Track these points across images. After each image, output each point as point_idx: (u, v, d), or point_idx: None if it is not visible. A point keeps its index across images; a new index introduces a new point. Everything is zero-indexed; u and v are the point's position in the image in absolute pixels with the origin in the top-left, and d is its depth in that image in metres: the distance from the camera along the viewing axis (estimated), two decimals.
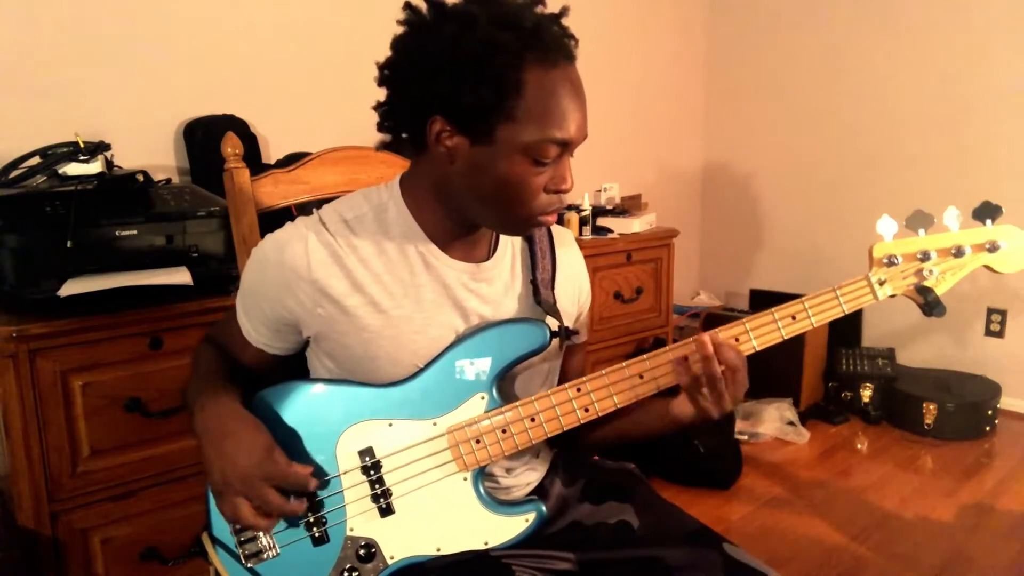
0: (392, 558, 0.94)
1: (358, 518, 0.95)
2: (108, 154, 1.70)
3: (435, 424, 0.95)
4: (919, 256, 0.96)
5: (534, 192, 0.89)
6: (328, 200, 1.01)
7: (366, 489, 0.95)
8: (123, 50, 1.96)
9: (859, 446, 2.77)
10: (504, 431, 0.95)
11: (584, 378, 0.96)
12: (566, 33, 0.89)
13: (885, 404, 2.96)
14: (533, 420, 0.95)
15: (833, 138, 3.36)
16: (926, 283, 0.96)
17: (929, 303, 0.96)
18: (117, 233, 1.54)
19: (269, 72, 2.23)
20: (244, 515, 0.88)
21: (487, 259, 1.01)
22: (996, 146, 2.93)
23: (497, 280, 1.01)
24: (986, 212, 0.97)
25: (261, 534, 0.95)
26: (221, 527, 0.96)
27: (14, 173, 1.64)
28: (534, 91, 0.84)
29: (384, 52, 0.92)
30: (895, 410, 2.92)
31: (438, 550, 0.95)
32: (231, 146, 1.22)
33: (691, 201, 3.84)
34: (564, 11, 0.91)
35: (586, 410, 0.96)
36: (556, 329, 0.98)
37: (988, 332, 3.06)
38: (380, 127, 0.95)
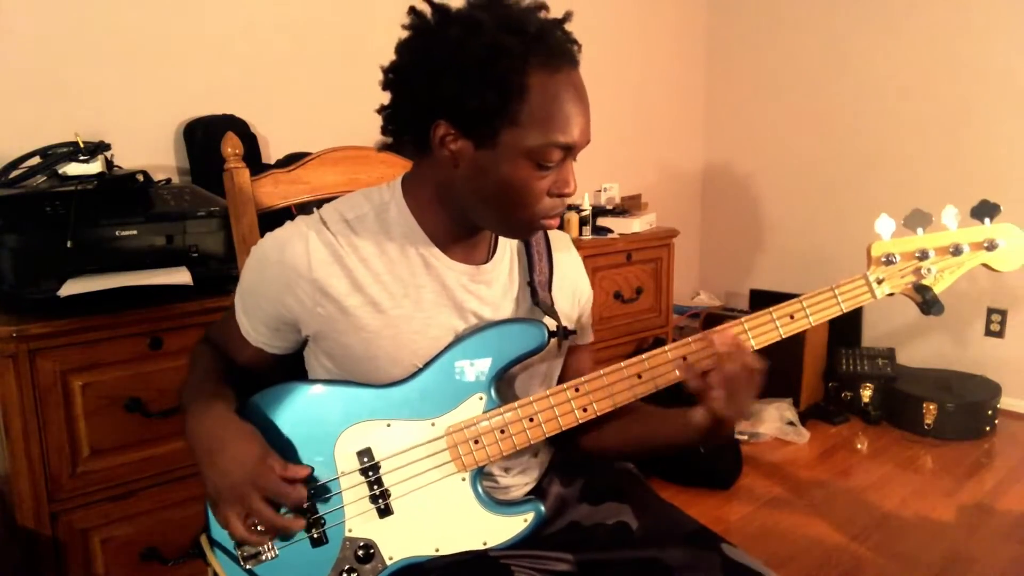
0: (391, 559, 0.95)
1: (357, 519, 0.95)
2: (108, 154, 1.70)
3: (434, 425, 0.95)
4: (917, 255, 0.96)
5: (537, 196, 0.89)
6: (328, 200, 1.02)
7: (365, 490, 0.95)
8: (123, 50, 1.96)
9: (859, 446, 2.77)
10: (503, 431, 0.95)
11: (582, 378, 0.96)
12: (569, 38, 0.90)
13: (885, 404, 2.95)
14: (532, 420, 0.95)
15: (833, 138, 3.36)
16: (924, 282, 0.97)
17: (927, 301, 0.96)
18: (117, 233, 1.54)
19: (269, 72, 2.23)
20: (236, 529, 0.88)
21: (486, 261, 1.01)
22: (996, 146, 2.93)
23: (496, 282, 1.01)
24: (984, 211, 0.97)
25: None
26: (220, 529, 0.96)
27: (14, 173, 1.64)
28: (538, 95, 0.85)
29: (385, 52, 0.92)
30: (895, 410, 2.92)
31: (437, 550, 0.95)
32: (231, 146, 1.22)
33: (691, 201, 3.83)
34: (568, 16, 0.91)
35: (584, 410, 0.96)
36: (554, 329, 0.98)
37: (988, 332, 3.06)
38: (384, 130, 0.95)
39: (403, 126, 0.94)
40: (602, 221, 2.71)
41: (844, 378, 3.02)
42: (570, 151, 0.89)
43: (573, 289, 1.10)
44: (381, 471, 0.95)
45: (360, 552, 0.94)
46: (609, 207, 2.85)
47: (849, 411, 3.00)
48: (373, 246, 0.95)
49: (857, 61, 3.24)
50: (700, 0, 3.64)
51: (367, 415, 0.95)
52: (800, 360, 2.95)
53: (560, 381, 1.06)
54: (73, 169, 1.63)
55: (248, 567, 0.95)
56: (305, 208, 1.19)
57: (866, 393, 2.94)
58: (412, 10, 0.90)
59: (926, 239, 0.96)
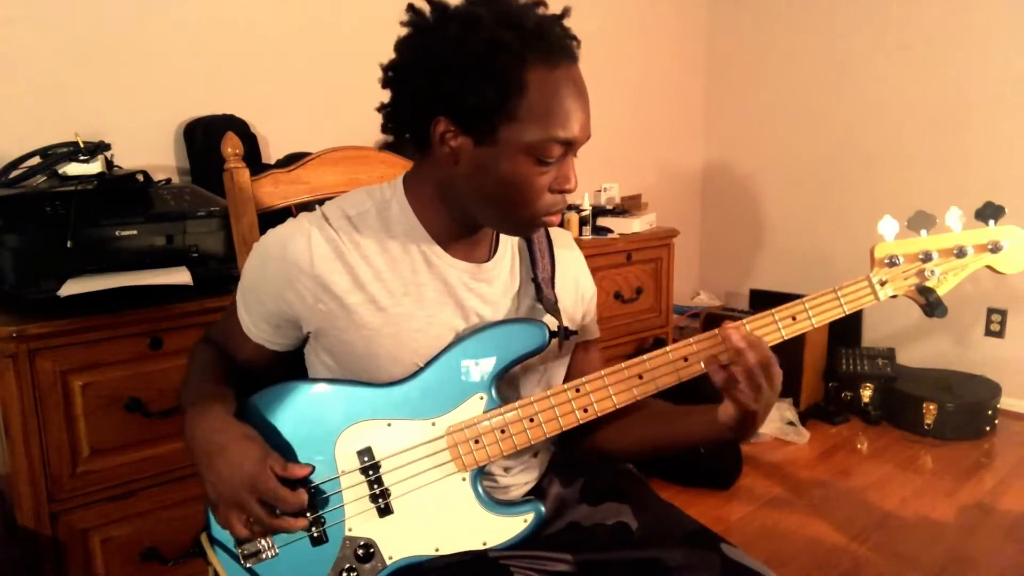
0: (390, 558, 0.95)
1: (357, 518, 0.95)
2: (108, 154, 1.70)
3: (434, 424, 0.95)
4: (921, 257, 0.96)
5: (538, 192, 0.89)
6: (328, 200, 1.02)
7: (365, 489, 0.95)
8: (123, 50, 1.96)
9: (859, 446, 2.77)
10: (503, 431, 0.95)
11: (583, 379, 0.96)
12: (568, 34, 0.90)
13: (885, 404, 2.95)
14: (532, 421, 0.95)
15: (833, 138, 3.36)
16: (927, 284, 0.96)
17: (931, 304, 0.96)
18: (117, 233, 1.54)
19: (269, 72, 2.23)
20: (236, 530, 0.89)
21: (488, 260, 1.01)
22: (996, 146, 2.93)
23: (497, 280, 1.01)
24: (989, 213, 0.97)
25: None
26: (220, 528, 0.96)
27: (14, 173, 1.64)
28: (537, 91, 0.85)
29: (385, 52, 0.92)
30: (895, 410, 2.92)
31: (436, 550, 0.95)
32: (231, 146, 1.22)
33: (691, 201, 3.83)
34: (566, 12, 0.91)
35: (585, 411, 0.96)
36: (555, 329, 0.98)
37: (988, 332, 3.06)
38: (384, 128, 0.95)
39: (403, 124, 0.94)
40: (602, 221, 2.71)
41: (844, 378, 3.02)
42: (570, 147, 0.89)
43: (576, 286, 1.09)
44: (381, 470, 0.95)
45: (360, 551, 0.94)
46: (609, 207, 2.85)
47: (849, 411, 3.00)
48: (375, 243, 0.95)
49: (857, 61, 3.24)
50: (700, 0, 3.64)
51: (367, 414, 0.95)
52: (800, 360, 2.95)
53: (568, 379, 1.05)
54: (73, 169, 1.63)
55: (248, 565, 0.95)
56: (305, 208, 1.19)
57: (866, 393, 2.94)
58: (411, 8, 0.90)
59: (930, 241, 0.96)
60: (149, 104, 2.02)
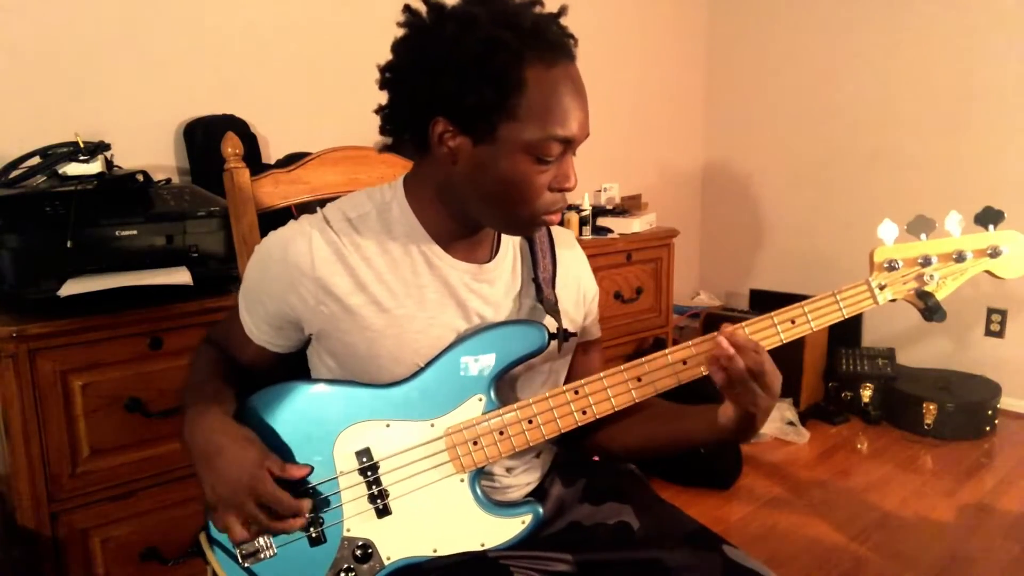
0: (389, 559, 0.95)
1: (355, 519, 0.95)
2: (108, 154, 1.70)
3: (433, 425, 0.95)
4: (920, 261, 0.96)
5: (538, 191, 0.89)
6: (328, 200, 1.02)
7: (363, 490, 0.95)
8: (123, 50, 1.96)
9: (859, 446, 2.77)
10: (502, 433, 0.95)
11: (582, 381, 0.96)
12: (565, 32, 0.90)
13: (885, 404, 2.95)
14: (531, 422, 0.95)
15: (833, 138, 3.36)
16: (927, 288, 0.96)
17: (930, 308, 0.96)
18: (117, 233, 1.54)
19: (269, 72, 2.23)
20: (234, 532, 0.89)
21: (489, 260, 1.01)
22: (996, 146, 2.93)
23: (498, 281, 1.01)
24: (988, 217, 0.96)
25: None
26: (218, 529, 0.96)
27: (14, 173, 1.64)
28: (535, 89, 0.85)
29: (384, 52, 0.92)
30: (895, 410, 2.92)
31: (434, 551, 0.95)
32: (231, 146, 1.22)
33: (691, 201, 3.83)
34: (563, 10, 0.91)
35: (584, 413, 0.96)
36: (554, 331, 0.98)
37: (988, 332, 3.06)
38: (382, 130, 0.95)
39: (402, 125, 0.94)
40: (602, 221, 2.71)
41: (844, 378, 3.02)
42: (569, 145, 0.89)
43: (578, 286, 1.09)
44: (380, 471, 0.95)
45: (358, 552, 0.94)
46: (609, 207, 2.85)
47: (849, 411, 3.00)
48: (376, 245, 0.95)
49: (857, 61, 3.24)
50: (700, 0, 3.64)
51: (366, 415, 0.95)
52: (800, 360, 2.95)
53: (569, 380, 1.05)
54: (73, 169, 1.63)
55: (247, 565, 0.96)
56: (305, 208, 1.19)
57: (866, 393, 2.94)
58: (407, 8, 0.90)
59: (929, 245, 0.96)
60: (149, 104, 2.02)
